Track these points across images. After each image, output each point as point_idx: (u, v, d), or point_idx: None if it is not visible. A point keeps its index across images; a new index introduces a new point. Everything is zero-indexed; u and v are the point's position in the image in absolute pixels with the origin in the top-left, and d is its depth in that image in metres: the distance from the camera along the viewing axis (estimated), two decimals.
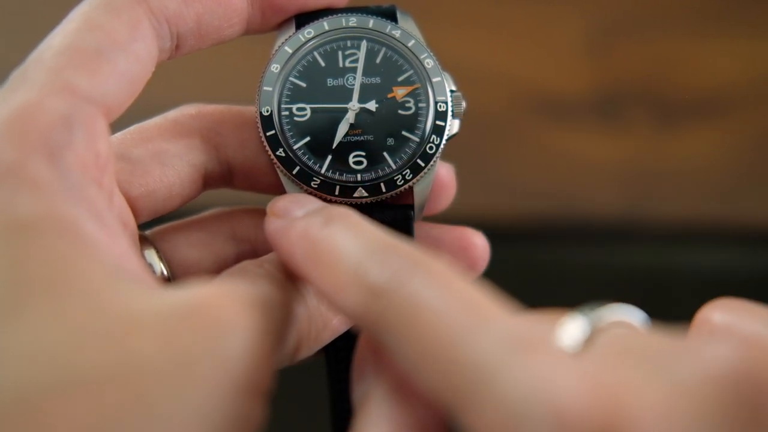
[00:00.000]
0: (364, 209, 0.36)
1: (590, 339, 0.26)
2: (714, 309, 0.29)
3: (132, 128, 0.37)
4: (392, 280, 0.27)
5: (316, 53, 0.37)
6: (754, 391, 0.23)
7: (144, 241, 0.36)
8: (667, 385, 0.23)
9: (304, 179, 0.36)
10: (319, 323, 0.34)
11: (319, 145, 0.37)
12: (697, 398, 0.23)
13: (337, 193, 0.36)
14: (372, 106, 0.37)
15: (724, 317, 0.29)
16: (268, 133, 0.37)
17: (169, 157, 0.36)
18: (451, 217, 0.40)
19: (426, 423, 0.27)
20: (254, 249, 0.38)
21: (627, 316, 0.27)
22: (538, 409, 0.23)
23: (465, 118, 0.38)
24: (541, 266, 0.78)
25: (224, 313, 0.27)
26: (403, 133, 0.37)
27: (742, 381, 0.23)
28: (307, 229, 0.30)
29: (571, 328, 0.26)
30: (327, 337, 0.34)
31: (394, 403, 0.27)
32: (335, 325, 0.34)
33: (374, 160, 0.37)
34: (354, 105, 0.37)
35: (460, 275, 0.27)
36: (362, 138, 0.37)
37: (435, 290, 0.26)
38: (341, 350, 0.38)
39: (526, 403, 0.23)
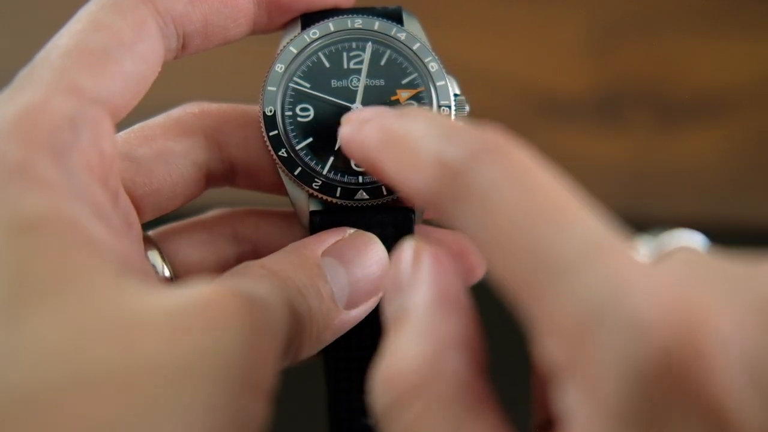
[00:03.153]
0: (365, 211, 0.36)
1: (657, 260, 0.25)
2: None
3: (136, 127, 0.37)
4: (470, 161, 0.26)
5: (320, 54, 0.37)
6: None
7: (147, 242, 0.36)
8: (744, 303, 0.23)
9: (306, 180, 0.36)
10: (321, 323, 0.34)
11: (322, 146, 0.37)
12: None
13: (338, 194, 0.36)
14: None
15: None
16: (270, 133, 0.36)
17: (172, 155, 0.36)
18: None
19: (467, 335, 0.26)
20: (256, 249, 0.39)
21: (691, 241, 0.26)
22: (614, 309, 0.22)
23: (466, 119, 0.38)
24: None
25: (226, 312, 0.27)
26: None
27: None
28: (382, 122, 0.29)
29: (640, 248, 0.25)
30: (328, 338, 0.34)
31: (435, 314, 0.27)
32: (336, 326, 0.34)
33: None
34: (357, 106, 0.37)
35: (542, 165, 0.26)
36: None
37: (514, 180, 0.25)
38: (341, 350, 0.38)
39: (604, 302, 0.22)
